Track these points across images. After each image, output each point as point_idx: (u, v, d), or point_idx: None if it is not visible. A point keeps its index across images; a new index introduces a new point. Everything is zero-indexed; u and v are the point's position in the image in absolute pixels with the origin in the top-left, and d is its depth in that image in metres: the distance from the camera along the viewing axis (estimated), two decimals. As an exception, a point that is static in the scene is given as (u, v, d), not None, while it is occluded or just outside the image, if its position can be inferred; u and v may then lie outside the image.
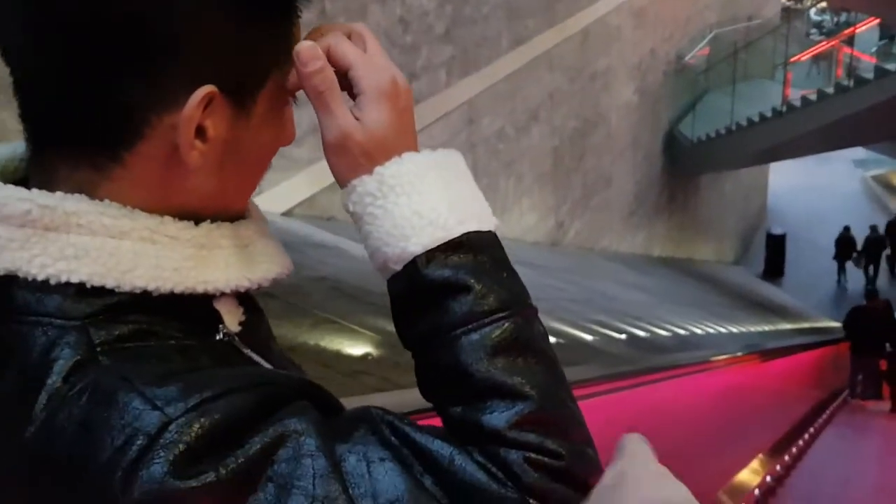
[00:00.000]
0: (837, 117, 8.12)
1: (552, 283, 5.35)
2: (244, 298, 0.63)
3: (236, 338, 0.60)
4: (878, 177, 19.94)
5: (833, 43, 10.56)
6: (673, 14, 11.75)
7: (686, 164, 11.93)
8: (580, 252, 8.95)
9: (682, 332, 5.03)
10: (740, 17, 13.90)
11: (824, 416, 7.87)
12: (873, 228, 14.59)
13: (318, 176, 5.07)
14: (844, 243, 14.58)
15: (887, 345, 9.47)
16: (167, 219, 0.56)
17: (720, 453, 4.10)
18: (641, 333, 4.34)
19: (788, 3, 21.21)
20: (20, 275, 0.53)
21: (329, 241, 4.08)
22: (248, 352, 0.61)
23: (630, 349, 3.69)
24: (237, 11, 0.54)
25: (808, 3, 23.56)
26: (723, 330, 6.13)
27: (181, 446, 0.47)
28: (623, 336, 4.00)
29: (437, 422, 0.55)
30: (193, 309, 0.57)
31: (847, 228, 14.66)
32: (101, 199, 0.54)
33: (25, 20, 0.53)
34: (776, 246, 15.93)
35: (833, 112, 8.19)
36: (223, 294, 0.59)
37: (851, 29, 9.39)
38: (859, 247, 14.41)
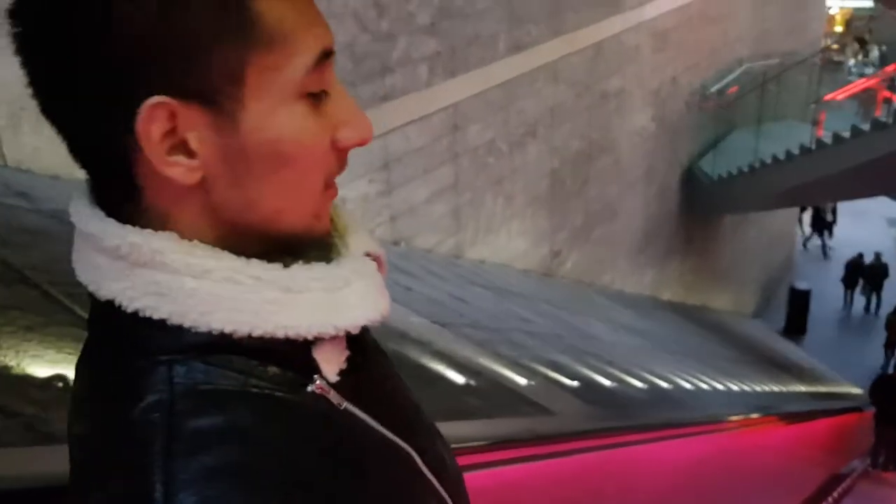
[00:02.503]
0: (872, 157, 7.24)
1: (519, 312, 4.53)
2: (355, 337, 0.60)
3: (332, 390, 0.58)
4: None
5: (872, 82, 9.71)
6: (699, 42, 10.96)
7: (705, 204, 11.04)
8: (575, 286, 8.09)
9: (663, 384, 4.17)
10: (775, 55, 13.07)
11: (842, 487, 7.10)
12: (877, 256, 14.91)
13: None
14: (854, 269, 15.13)
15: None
16: (254, 261, 0.55)
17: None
18: (605, 382, 3.49)
19: (831, 51, 20.44)
20: (116, 303, 0.55)
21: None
22: (345, 405, 0.58)
23: (578, 399, 2.86)
24: (175, 9, 0.49)
25: (850, 53, 22.84)
26: (720, 386, 5.25)
27: None
28: (575, 383, 3.16)
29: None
30: (288, 353, 0.56)
31: (860, 255, 15.18)
32: (150, 227, 0.54)
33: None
34: (799, 301, 15.05)
35: (867, 151, 7.32)
36: (321, 344, 0.58)
37: (893, 66, 8.53)
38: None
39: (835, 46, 28.50)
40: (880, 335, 14.67)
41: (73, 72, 0.50)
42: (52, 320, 1.70)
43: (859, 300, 15.39)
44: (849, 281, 15.27)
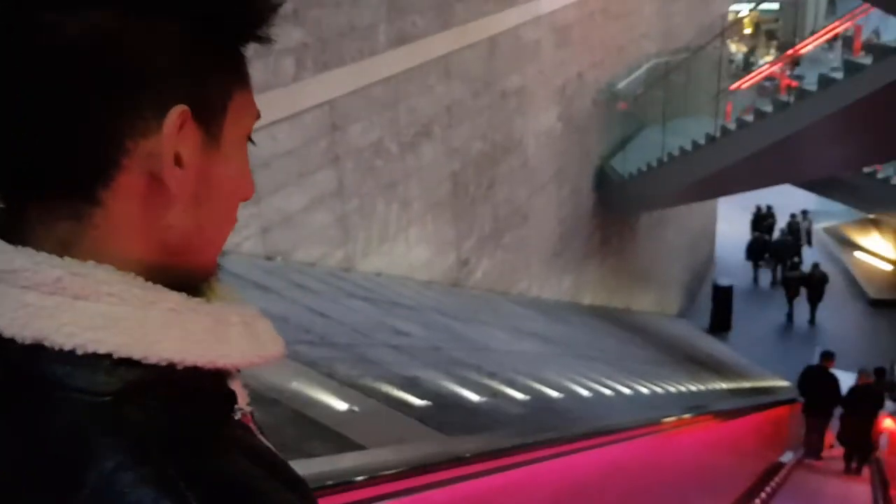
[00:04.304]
0: (777, 139, 6.98)
1: (396, 326, 4.00)
2: None
3: (252, 419, 0.62)
4: (829, 229, 19.09)
5: (775, 67, 9.55)
6: (603, 38, 10.69)
7: (618, 203, 10.75)
8: (484, 295, 7.61)
9: (553, 393, 3.69)
10: (683, 52, 12.95)
11: (776, 480, 6.94)
12: (815, 265, 15.22)
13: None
14: (757, 246, 16.76)
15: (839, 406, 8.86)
16: (184, 294, 0.56)
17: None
18: (474, 398, 2.97)
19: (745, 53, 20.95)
20: (47, 344, 0.52)
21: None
22: (261, 438, 0.60)
23: (421, 424, 2.32)
24: (197, 30, 0.55)
25: (763, 53, 23.57)
26: (626, 391, 4.80)
27: None
28: (425, 402, 2.62)
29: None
30: (212, 386, 0.57)
31: (761, 233, 17.03)
32: (86, 254, 0.54)
33: None
34: (723, 298, 15.02)
35: (772, 132, 7.06)
36: (232, 375, 0.60)
37: (793, 51, 8.34)
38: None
39: (744, 49, 29.25)
40: (804, 326, 14.78)
41: (95, 72, 0.51)
42: None
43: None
44: (753, 256, 16.65)
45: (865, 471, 8.80)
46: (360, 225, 6.20)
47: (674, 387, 5.94)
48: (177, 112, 0.53)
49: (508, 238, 8.75)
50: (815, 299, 14.82)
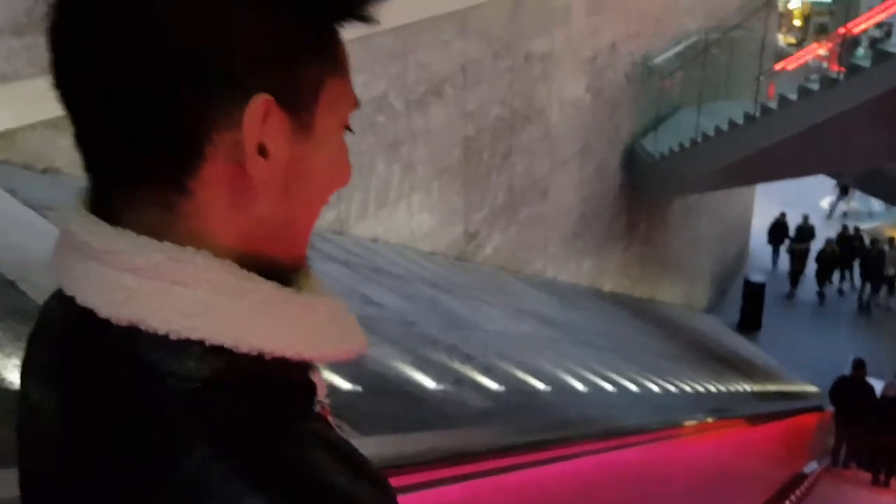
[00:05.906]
0: (823, 120, 6.31)
1: (368, 295, 3.48)
2: None
3: (330, 412, 0.61)
4: (869, 231, 18.21)
5: (823, 47, 8.80)
6: (641, 8, 10.01)
7: (648, 186, 10.10)
8: (492, 271, 7.06)
9: (539, 384, 3.15)
10: (725, 30, 12.19)
11: (801, 489, 6.50)
12: (829, 241, 15.26)
13: (23, 100, 3.22)
14: (778, 229, 16.14)
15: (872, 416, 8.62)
16: (276, 284, 0.56)
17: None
18: (427, 384, 2.44)
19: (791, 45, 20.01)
20: (142, 327, 0.52)
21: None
22: (338, 430, 0.59)
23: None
24: (284, 15, 0.54)
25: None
26: (632, 386, 4.24)
27: None
28: (350, 388, 2.08)
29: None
30: (297, 377, 0.58)
31: (783, 214, 16.06)
32: (178, 242, 0.53)
33: (79, 61, 0.52)
34: (754, 295, 14.29)
35: (817, 113, 6.40)
36: (313, 368, 0.60)
37: (845, 29, 7.62)
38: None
39: (792, 40, 28.14)
40: (838, 328, 14.11)
41: (190, 59, 0.50)
42: None
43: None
44: (775, 241, 16.22)
45: (893, 483, 8.47)
46: (356, 185, 5.68)
47: (690, 386, 5.37)
48: (257, 102, 0.51)
49: (524, 213, 8.18)
50: (823, 275, 14.83)
